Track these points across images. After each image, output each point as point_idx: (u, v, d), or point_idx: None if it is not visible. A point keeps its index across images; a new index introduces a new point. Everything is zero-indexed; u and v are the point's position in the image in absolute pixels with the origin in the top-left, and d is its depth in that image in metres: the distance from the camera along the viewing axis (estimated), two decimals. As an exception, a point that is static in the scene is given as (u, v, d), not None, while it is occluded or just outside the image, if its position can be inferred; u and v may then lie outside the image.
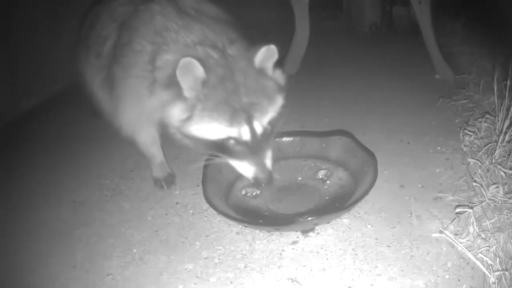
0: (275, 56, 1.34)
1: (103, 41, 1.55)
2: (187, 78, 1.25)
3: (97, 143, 2.10)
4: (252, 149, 1.33)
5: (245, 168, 1.37)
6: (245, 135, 1.31)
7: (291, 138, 1.74)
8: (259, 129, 1.33)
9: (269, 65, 1.36)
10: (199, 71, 1.24)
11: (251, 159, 1.35)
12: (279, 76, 1.40)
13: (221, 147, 1.35)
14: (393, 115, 2.17)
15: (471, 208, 1.40)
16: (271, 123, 1.37)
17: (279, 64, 1.41)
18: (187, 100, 1.28)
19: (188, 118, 1.29)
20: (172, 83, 1.28)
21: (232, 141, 1.32)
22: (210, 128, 1.30)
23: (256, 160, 1.35)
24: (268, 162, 1.38)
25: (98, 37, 1.59)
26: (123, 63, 1.43)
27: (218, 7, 1.55)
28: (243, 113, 1.29)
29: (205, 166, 1.58)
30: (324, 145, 1.71)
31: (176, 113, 1.31)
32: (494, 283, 1.14)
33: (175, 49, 1.32)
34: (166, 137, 1.57)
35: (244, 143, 1.32)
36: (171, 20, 1.38)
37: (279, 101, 1.38)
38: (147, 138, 1.67)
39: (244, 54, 1.34)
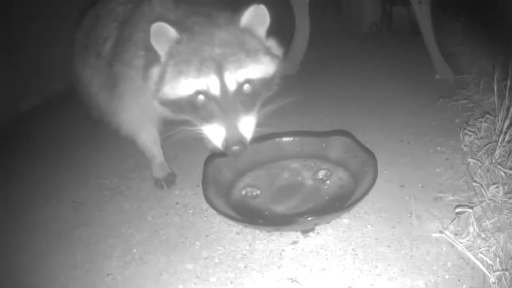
0: (266, 19, 1.28)
1: (104, 41, 1.55)
2: (161, 43, 1.23)
3: (97, 143, 2.10)
4: (223, 106, 1.21)
5: (215, 132, 1.24)
6: (214, 88, 1.22)
7: (291, 138, 1.74)
8: (231, 83, 1.22)
9: (260, 29, 1.29)
10: (171, 32, 1.22)
11: (221, 119, 1.22)
12: (273, 45, 1.34)
13: (194, 107, 1.25)
14: (393, 115, 2.17)
15: (471, 208, 1.40)
16: (253, 84, 1.26)
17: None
18: (162, 63, 1.27)
19: (162, 78, 1.26)
20: (153, 57, 1.27)
21: (202, 97, 1.23)
22: (180, 83, 1.24)
23: (227, 120, 1.22)
24: (243, 127, 1.24)
25: (98, 38, 1.59)
26: (124, 58, 1.43)
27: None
28: (212, 62, 1.21)
29: (205, 166, 1.59)
30: (324, 145, 1.71)
31: (153, 75, 1.29)
32: (494, 283, 1.14)
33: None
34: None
35: (214, 99, 1.22)
36: (168, 12, 1.37)
37: (265, 62, 1.28)
38: (147, 138, 1.66)
39: (230, 15, 1.30)
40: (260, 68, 1.27)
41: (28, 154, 2.10)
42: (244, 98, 1.25)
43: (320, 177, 1.64)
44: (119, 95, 1.48)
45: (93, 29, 1.64)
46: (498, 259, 1.21)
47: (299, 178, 1.67)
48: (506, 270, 1.16)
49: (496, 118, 1.81)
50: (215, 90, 1.22)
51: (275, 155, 1.71)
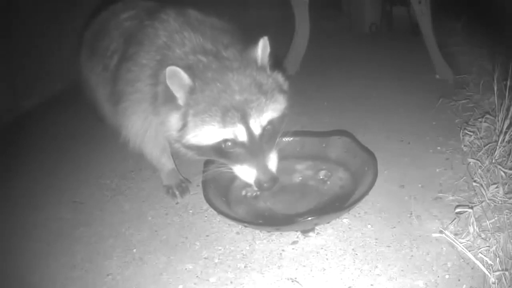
0: (268, 48, 1.31)
1: (111, 54, 1.56)
2: (176, 85, 1.24)
3: (97, 143, 2.10)
4: (251, 150, 1.26)
5: (247, 173, 1.30)
6: (241, 135, 1.25)
7: (291, 138, 1.73)
8: (256, 128, 1.26)
9: (266, 59, 1.32)
10: (184, 78, 1.22)
11: (251, 161, 1.27)
12: (280, 79, 1.37)
13: (221, 152, 1.29)
14: (393, 115, 2.17)
15: (471, 208, 1.40)
16: (273, 123, 1.30)
17: (280, 66, 1.40)
18: (181, 109, 1.27)
19: (184, 127, 1.27)
20: (168, 96, 1.27)
21: (229, 144, 1.26)
22: (205, 133, 1.26)
23: (256, 162, 1.27)
24: (271, 164, 1.30)
25: (106, 50, 1.59)
26: (128, 78, 1.43)
27: (222, 19, 1.53)
28: (236, 111, 1.23)
29: (205, 166, 1.58)
30: (324, 145, 1.70)
31: (173, 123, 1.30)
32: (494, 283, 1.14)
33: (171, 63, 1.30)
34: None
35: (242, 145, 1.26)
36: (172, 36, 1.38)
37: (281, 101, 1.32)
38: (155, 149, 1.62)
39: (240, 54, 1.32)
40: (277, 108, 1.31)
41: (29, 154, 2.10)
42: (267, 138, 1.30)
43: (320, 177, 1.64)
44: (124, 112, 1.47)
45: (102, 37, 1.64)
46: (498, 259, 1.21)
47: (299, 178, 1.67)
48: (506, 270, 1.16)
49: (496, 118, 1.81)
50: (242, 137, 1.25)
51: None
